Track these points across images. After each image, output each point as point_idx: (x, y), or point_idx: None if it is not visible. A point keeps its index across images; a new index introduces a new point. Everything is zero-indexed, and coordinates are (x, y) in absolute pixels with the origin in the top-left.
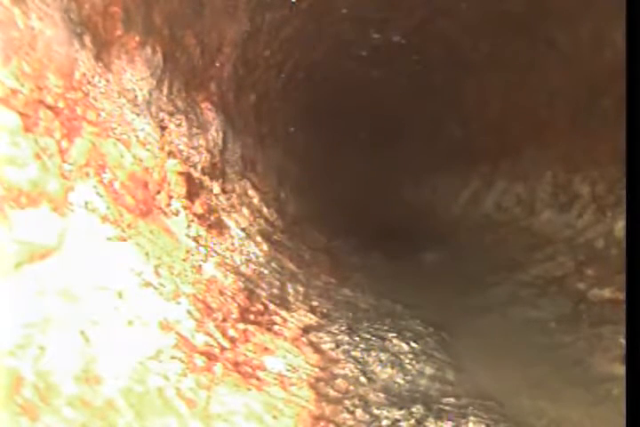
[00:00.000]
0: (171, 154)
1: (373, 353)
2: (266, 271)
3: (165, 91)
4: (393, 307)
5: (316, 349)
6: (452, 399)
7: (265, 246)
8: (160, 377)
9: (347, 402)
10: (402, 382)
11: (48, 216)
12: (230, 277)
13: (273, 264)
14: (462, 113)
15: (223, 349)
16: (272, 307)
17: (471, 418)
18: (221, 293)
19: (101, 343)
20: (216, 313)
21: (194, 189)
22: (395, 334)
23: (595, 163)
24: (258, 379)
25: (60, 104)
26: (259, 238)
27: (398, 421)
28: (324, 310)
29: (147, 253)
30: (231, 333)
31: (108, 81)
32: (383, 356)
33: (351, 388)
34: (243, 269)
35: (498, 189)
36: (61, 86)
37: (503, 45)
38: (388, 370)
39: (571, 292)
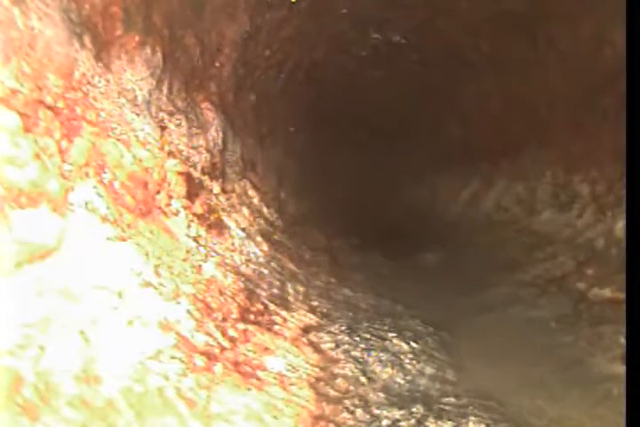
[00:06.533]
0: (171, 154)
1: (373, 353)
2: (266, 271)
3: (165, 91)
4: (393, 307)
5: (316, 349)
6: (452, 399)
7: (265, 246)
8: (160, 377)
9: (347, 402)
10: (402, 382)
11: (48, 216)
12: (230, 277)
13: (273, 264)
14: (462, 113)
15: (223, 349)
16: (272, 307)
17: (471, 418)
18: (221, 293)
19: (101, 343)
20: (216, 313)
21: (194, 189)
22: (395, 334)
23: (595, 163)
24: (258, 379)
25: (60, 104)
26: (259, 238)
27: (398, 421)
28: (324, 310)
29: (147, 253)
30: (231, 333)
31: (107, 81)
32: (383, 356)
33: (351, 388)
34: (243, 269)
35: (498, 188)
36: (61, 86)
37: (503, 45)
38: (388, 370)
39: (571, 292)
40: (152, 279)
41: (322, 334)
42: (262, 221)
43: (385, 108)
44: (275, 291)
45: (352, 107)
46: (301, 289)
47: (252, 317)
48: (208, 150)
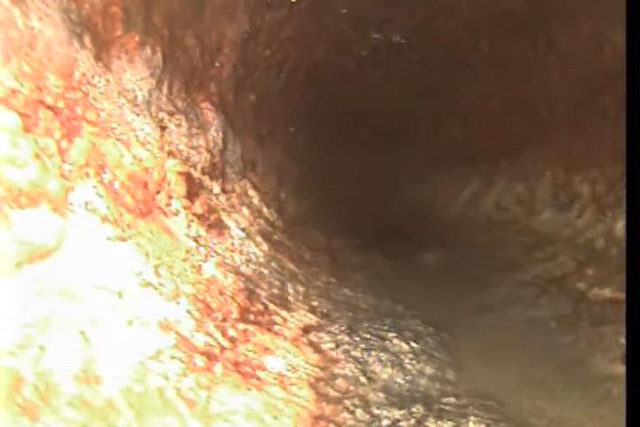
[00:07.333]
0: (171, 154)
1: (373, 353)
2: (266, 271)
3: (165, 91)
4: (393, 307)
5: (316, 349)
6: (452, 399)
7: (265, 246)
8: (160, 377)
9: (347, 402)
10: (402, 382)
11: (48, 216)
12: (230, 277)
13: (273, 264)
14: (462, 113)
15: (223, 349)
16: (272, 307)
17: (471, 418)
18: (221, 293)
19: (101, 343)
20: (216, 313)
21: (194, 189)
22: (395, 334)
23: (595, 163)
24: (258, 379)
25: (60, 104)
26: (259, 238)
27: (398, 421)
28: (324, 310)
29: (147, 253)
30: (231, 333)
31: (107, 81)
32: (383, 356)
33: (351, 388)
34: (243, 269)
35: (498, 188)
36: (61, 86)
37: (503, 45)
38: (388, 370)
39: (571, 292)
40: (152, 279)
41: (322, 334)
42: (262, 221)
43: (385, 108)
44: (275, 291)
45: (352, 107)
46: (301, 289)
47: (252, 317)
48: (208, 150)
